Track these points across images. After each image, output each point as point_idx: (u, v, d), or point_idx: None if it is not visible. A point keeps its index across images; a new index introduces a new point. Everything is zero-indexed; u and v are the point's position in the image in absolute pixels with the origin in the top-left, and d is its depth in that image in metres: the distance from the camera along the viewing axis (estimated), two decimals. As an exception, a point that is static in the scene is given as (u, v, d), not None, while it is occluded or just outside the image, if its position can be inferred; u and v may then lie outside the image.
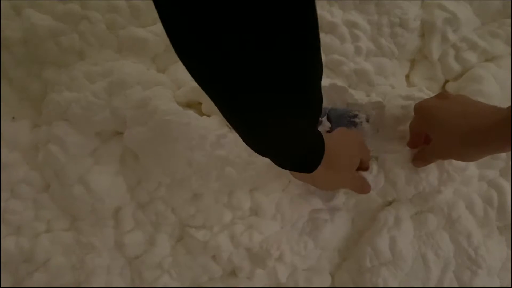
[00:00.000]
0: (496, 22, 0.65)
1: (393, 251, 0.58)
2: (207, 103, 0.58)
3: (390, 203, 0.62)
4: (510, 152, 0.58)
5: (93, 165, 0.56)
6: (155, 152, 0.54)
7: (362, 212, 0.62)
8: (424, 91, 0.59)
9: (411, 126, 0.56)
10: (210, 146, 0.54)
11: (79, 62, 0.59)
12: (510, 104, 0.42)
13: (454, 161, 0.57)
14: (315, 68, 0.34)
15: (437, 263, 0.60)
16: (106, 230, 0.57)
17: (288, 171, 0.53)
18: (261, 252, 0.56)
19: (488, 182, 0.62)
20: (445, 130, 0.48)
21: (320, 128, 0.60)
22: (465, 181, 0.60)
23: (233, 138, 0.55)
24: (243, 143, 0.40)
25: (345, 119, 0.61)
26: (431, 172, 0.57)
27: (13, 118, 0.59)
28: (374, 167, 0.58)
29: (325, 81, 0.57)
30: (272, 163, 0.44)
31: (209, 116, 0.57)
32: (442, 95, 0.52)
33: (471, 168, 0.60)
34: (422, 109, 0.52)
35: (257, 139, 0.39)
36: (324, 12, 0.60)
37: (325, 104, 0.59)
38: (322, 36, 0.60)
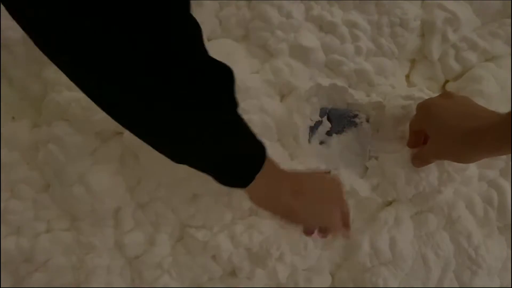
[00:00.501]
0: (496, 22, 0.65)
1: (393, 251, 0.58)
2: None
3: (390, 203, 0.62)
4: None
5: (93, 165, 0.56)
6: (155, 152, 0.54)
7: (362, 212, 0.62)
8: (424, 91, 0.59)
9: (410, 123, 0.56)
10: (210, 146, 0.54)
11: (79, 62, 0.59)
12: (510, 104, 0.42)
13: (454, 161, 0.57)
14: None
15: (437, 263, 0.60)
16: (106, 230, 0.57)
17: None
18: (261, 252, 0.56)
19: (488, 182, 0.62)
20: (443, 129, 0.48)
21: (320, 129, 0.60)
22: (465, 181, 0.60)
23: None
24: None
25: (345, 119, 0.61)
26: (431, 172, 0.57)
27: (13, 118, 0.59)
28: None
29: (325, 81, 0.57)
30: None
31: (209, 116, 0.57)
32: (447, 94, 0.52)
33: (471, 168, 0.60)
34: (423, 107, 0.52)
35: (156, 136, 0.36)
36: (324, 12, 0.60)
37: (325, 104, 0.60)
38: (322, 36, 0.60)
